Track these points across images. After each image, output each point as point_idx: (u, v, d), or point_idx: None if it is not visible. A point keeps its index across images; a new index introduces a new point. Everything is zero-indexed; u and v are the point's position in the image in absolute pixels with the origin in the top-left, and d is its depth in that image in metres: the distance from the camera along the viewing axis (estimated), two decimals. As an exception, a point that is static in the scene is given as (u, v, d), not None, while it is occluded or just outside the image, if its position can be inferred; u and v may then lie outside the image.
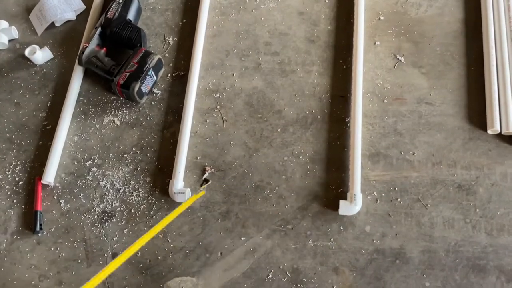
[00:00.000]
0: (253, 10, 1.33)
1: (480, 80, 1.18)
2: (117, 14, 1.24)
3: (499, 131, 1.11)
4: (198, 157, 1.16)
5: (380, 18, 1.29)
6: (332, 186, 1.11)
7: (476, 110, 1.16)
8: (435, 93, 1.18)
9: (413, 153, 1.13)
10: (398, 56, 1.24)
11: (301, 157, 1.15)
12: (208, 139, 1.18)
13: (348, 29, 1.27)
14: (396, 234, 1.06)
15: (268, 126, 1.19)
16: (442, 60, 1.22)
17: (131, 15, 1.26)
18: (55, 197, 1.14)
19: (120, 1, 1.26)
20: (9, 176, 1.16)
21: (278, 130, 1.18)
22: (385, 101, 1.19)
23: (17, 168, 1.17)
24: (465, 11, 1.27)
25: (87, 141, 1.19)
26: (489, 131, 1.12)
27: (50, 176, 1.13)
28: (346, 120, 1.18)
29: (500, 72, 1.16)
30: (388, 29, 1.27)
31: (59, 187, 1.15)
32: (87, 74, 1.27)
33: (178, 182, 1.10)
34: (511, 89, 1.13)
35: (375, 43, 1.26)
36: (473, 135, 1.13)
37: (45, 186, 1.14)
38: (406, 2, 1.30)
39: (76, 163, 1.17)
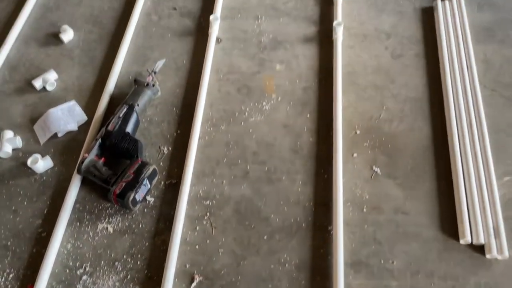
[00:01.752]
0: (242, 123, 1.45)
1: (450, 192, 1.29)
2: (117, 127, 1.35)
3: (470, 241, 1.19)
4: (187, 265, 1.20)
5: (356, 132, 1.42)
6: (317, 295, 1.15)
7: (448, 221, 1.24)
8: (409, 204, 1.28)
9: (393, 262, 1.19)
10: (374, 168, 1.35)
11: (287, 265, 1.20)
12: (197, 246, 1.23)
13: (328, 141, 1.40)
14: None
15: (255, 234, 1.25)
16: (414, 173, 1.33)
17: (130, 128, 1.37)
18: (44, 306, 1.15)
19: (121, 115, 1.37)
20: (1, 284, 1.18)
21: (265, 237, 1.24)
22: (364, 210, 1.28)
23: (10, 276, 1.19)
24: (432, 128, 1.42)
25: (80, 249, 1.23)
26: (461, 242, 1.20)
27: (42, 285, 1.15)
28: (329, 228, 1.25)
29: (467, 185, 1.27)
30: (364, 142, 1.40)
31: (49, 296, 1.16)
32: (84, 182, 1.34)
33: (168, 291, 1.13)
34: (478, 202, 1.24)
35: (353, 155, 1.37)
36: (447, 245, 1.21)
37: (35, 294, 1.16)
38: (380, 118, 1.44)
39: (67, 271, 1.20)
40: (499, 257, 1.17)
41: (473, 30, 1.63)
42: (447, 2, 1.69)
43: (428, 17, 1.69)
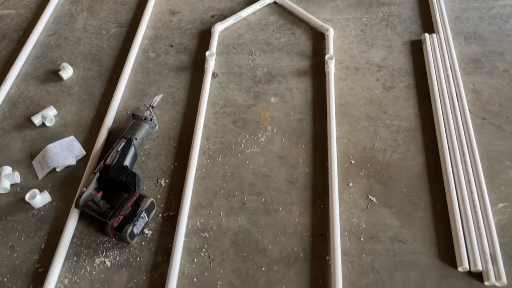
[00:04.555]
0: (239, 154, 1.48)
1: (445, 219, 1.30)
2: (115, 160, 1.37)
3: (468, 269, 1.19)
4: (186, 299, 1.19)
5: (351, 162, 1.44)
6: (317, 327, 1.14)
7: (445, 248, 1.25)
8: (406, 232, 1.29)
9: (392, 291, 1.19)
10: (370, 197, 1.36)
11: (285, 296, 1.19)
12: (195, 279, 1.23)
13: (324, 171, 1.42)
14: None
15: (253, 265, 1.25)
16: (409, 201, 1.35)
17: (127, 161, 1.39)
18: None
19: (119, 149, 1.39)
20: (-5, 322, 1.16)
21: (263, 268, 1.24)
22: (362, 239, 1.28)
23: (5, 314, 1.18)
24: (425, 156, 1.44)
25: (77, 284, 1.22)
26: (459, 269, 1.20)
27: (37, 322, 1.13)
28: (327, 258, 1.25)
29: (462, 211, 1.29)
30: (359, 171, 1.42)
31: (45, 333, 1.15)
32: (82, 216, 1.34)
33: (166, 326, 1.12)
34: (473, 229, 1.25)
35: (348, 185, 1.39)
36: (445, 272, 1.21)
37: (30, 332, 1.14)
38: (373, 148, 1.47)
39: (64, 307, 1.19)
40: (498, 284, 1.17)
41: (461, 61, 1.68)
42: (435, 36, 1.75)
43: (417, 50, 1.75)
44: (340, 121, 1.54)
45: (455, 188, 1.34)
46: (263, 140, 1.51)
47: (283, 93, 1.64)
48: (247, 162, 1.46)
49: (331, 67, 1.64)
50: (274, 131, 1.53)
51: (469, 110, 1.54)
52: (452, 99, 1.55)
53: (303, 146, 1.49)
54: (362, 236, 1.29)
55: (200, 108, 1.56)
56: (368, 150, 1.47)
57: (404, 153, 1.46)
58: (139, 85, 1.67)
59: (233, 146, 1.50)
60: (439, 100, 1.55)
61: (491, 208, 1.30)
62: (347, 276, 1.21)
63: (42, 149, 1.47)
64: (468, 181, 1.35)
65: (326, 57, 1.66)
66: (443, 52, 1.70)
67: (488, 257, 1.19)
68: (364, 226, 1.30)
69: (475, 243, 1.22)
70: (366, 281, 1.20)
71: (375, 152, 1.46)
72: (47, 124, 1.54)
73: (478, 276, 1.20)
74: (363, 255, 1.25)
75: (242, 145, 1.50)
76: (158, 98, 1.58)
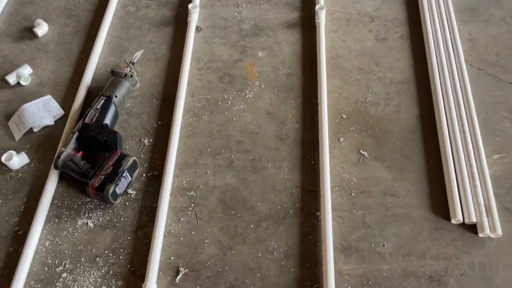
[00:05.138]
0: (225, 112, 1.41)
1: (439, 172, 1.26)
2: (94, 119, 1.30)
3: (462, 221, 1.16)
4: (172, 258, 1.16)
5: (342, 116, 1.39)
6: (307, 283, 1.11)
7: (439, 201, 1.21)
8: (398, 186, 1.25)
9: (383, 245, 1.16)
10: (361, 151, 1.31)
11: (275, 253, 1.16)
12: (182, 238, 1.19)
13: (314, 127, 1.36)
14: (374, 331, 1.05)
15: (241, 223, 1.21)
16: (403, 154, 1.30)
17: (108, 120, 1.32)
18: (23, 307, 1.10)
19: (98, 107, 1.33)
20: (-25, 286, 1.13)
21: (252, 226, 1.20)
22: (353, 194, 1.24)
23: (-15, 277, 1.14)
24: (419, 108, 1.39)
25: (59, 246, 1.18)
26: (453, 221, 1.17)
27: (19, 285, 1.10)
28: (317, 214, 1.21)
29: (456, 164, 1.24)
30: (351, 126, 1.37)
31: (28, 296, 1.11)
32: (62, 177, 1.29)
33: (151, 285, 1.09)
34: (468, 180, 1.21)
35: (339, 139, 1.34)
36: (438, 225, 1.17)
37: (12, 295, 1.10)
38: (365, 101, 1.41)
39: (46, 269, 1.15)
40: (492, 235, 1.14)
41: (457, 10, 1.61)
42: (429, -17, 1.66)
43: (411, -1, 1.66)
44: (331, 75, 1.47)
45: (450, 140, 1.29)
46: (250, 96, 1.44)
47: (271, 46, 1.56)
48: (234, 119, 1.40)
49: (322, 18, 1.56)
50: (262, 86, 1.46)
51: (465, 60, 1.47)
52: (448, 49, 1.48)
53: (293, 102, 1.43)
54: (353, 191, 1.25)
55: (183, 64, 1.48)
56: (360, 103, 1.41)
57: (397, 106, 1.40)
58: (119, 41, 1.58)
59: (219, 103, 1.43)
60: (434, 50, 1.49)
61: (486, 159, 1.26)
62: (338, 231, 1.18)
63: (17, 109, 1.39)
64: (463, 132, 1.30)
65: (317, 7, 1.57)
66: (438, 1, 1.62)
67: (483, 208, 1.16)
68: (355, 181, 1.26)
69: (469, 195, 1.19)
70: (357, 236, 1.17)
71: (367, 105, 1.40)
72: (23, 83, 1.46)
73: (472, 228, 1.17)
74: (354, 210, 1.21)
75: (229, 102, 1.43)
76: (138, 54, 1.50)
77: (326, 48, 1.51)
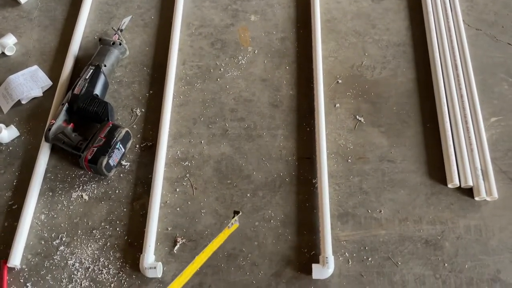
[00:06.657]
0: (218, 79, 1.38)
1: (436, 136, 1.25)
2: (84, 89, 1.27)
3: (458, 185, 1.16)
4: (169, 228, 1.16)
5: (338, 81, 1.36)
6: (304, 250, 1.12)
7: (435, 165, 1.21)
8: (395, 151, 1.24)
9: (380, 211, 1.16)
10: (358, 117, 1.29)
11: (272, 221, 1.16)
12: (178, 209, 1.18)
13: (309, 93, 1.33)
14: (370, 295, 1.07)
15: (237, 192, 1.20)
16: (399, 119, 1.28)
17: (98, 90, 1.28)
18: (22, 280, 1.10)
19: (87, 77, 1.29)
20: (-28, 261, 1.12)
21: (248, 195, 1.20)
22: (349, 160, 1.23)
23: (-19, 252, 1.13)
24: (416, 72, 1.36)
25: (54, 219, 1.17)
26: (449, 185, 1.17)
27: (16, 258, 1.09)
28: (313, 181, 1.20)
29: (454, 128, 1.23)
30: (347, 91, 1.34)
31: (26, 269, 1.11)
32: (54, 150, 1.27)
33: (149, 256, 1.09)
34: (465, 144, 1.20)
35: (335, 105, 1.32)
36: (435, 190, 1.17)
37: (11, 269, 1.10)
38: (361, 66, 1.38)
39: (43, 242, 1.14)
40: (488, 199, 1.14)
41: (455, -33, 1.54)
42: None
43: (408, -43, 1.60)
44: (325, 39, 1.43)
45: (447, 104, 1.27)
46: (243, 62, 1.41)
47: (264, 10, 1.50)
48: (227, 86, 1.36)
49: (315, -21, 1.49)
50: (255, 52, 1.42)
51: (463, 20, 1.43)
52: (446, 9, 1.44)
53: (287, 67, 1.39)
54: (349, 157, 1.23)
55: (173, 30, 1.43)
56: (356, 68, 1.38)
57: (394, 69, 1.37)
58: (105, 7, 1.52)
59: (211, 70, 1.39)
60: (431, 10, 1.44)
61: (484, 122, 1.24)
62: (334, 198, 1.18)
63: (3, 80, 1.35)
64: (460, 96, 1.28)
65: (310, -33, 1.51)
66: (437, -42, 1.55)
67: (479, 172, 1.16)
68: (351, 147, 1.25)
69: (466, 159, 1.18)
70: (353, 202, 1.17)
71: (363, 69, 1.37)
72: (7, 53, 1.41)
73: (468, 192, 1.17)
74: (351, 177, 1.21)
75: (222, 69, 1.39)
76: (126, 21, 1.44)
77: (320, 10, 1.46)
